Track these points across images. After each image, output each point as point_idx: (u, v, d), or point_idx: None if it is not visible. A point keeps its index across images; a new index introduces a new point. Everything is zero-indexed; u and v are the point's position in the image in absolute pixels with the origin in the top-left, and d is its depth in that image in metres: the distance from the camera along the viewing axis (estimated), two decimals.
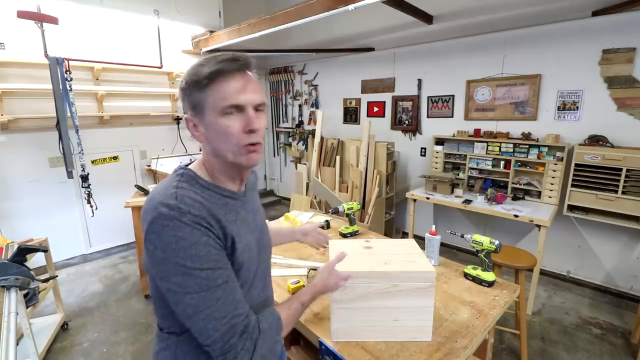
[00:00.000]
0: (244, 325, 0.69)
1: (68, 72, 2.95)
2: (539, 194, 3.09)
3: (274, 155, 6.13)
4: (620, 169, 2.55)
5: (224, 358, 0.68)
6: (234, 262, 0.73)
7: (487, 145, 3.31)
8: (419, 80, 3.89)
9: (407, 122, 4.09)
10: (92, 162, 3.66)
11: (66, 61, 2.96)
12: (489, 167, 3.34)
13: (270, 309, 0.81)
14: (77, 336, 2.47)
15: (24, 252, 2.06)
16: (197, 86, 0.70)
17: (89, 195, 3.21)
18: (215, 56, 0.71)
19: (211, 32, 4.18)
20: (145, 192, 3.02)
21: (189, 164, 0.80)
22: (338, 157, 3.95)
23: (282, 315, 0.81)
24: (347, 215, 2.15)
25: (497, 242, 1.51)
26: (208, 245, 0.66)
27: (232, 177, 0.80)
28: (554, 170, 2.93)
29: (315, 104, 5.17)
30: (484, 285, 1.47)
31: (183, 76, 0.73)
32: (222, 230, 0.70)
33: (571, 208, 2.86)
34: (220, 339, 0.67)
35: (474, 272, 1.52)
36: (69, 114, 3.01)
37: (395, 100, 4.15)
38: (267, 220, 1.10)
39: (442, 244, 1.72)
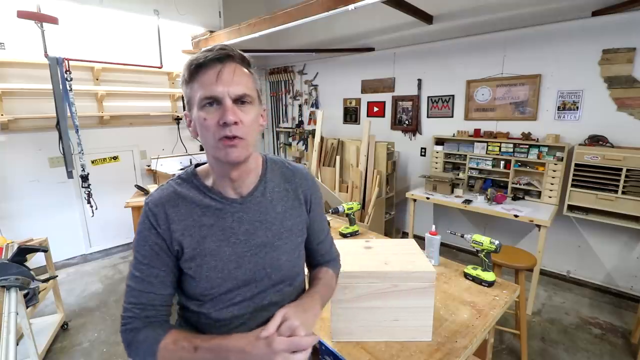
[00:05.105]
0: (124, 323, 0.73)
1: (68, 72, 2.95)
2: (539, 194, 3.09)
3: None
4: (620, 169, 2.54)
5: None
6: (182, 267, 0.74)
7: (487, 145, 3.31)
8: (419, 80, 3.89)
9: (407, 122, 4.09)
10: (92, 162, 3.66)
11: (66, 61, 2.95)
12: (489, 167, 3.34)
13: (162, 331, 0.70)
14: (77, 336, 2.47)
15: (24, 252, 2.06)
16: (185, 81, 0.71)
17: (89, 195, 3.21)
18: (203, 49, 0.71)
19: (211, 32, 4.18)
20: (145, 192, 3.02)
21: (205, 162, 0.82)
22: (338, 157, 3.95)
23: (162, 343, 0.68)
24: (347, 215, 2.15)
25: (497, 242, 1.51)
26: (146, 239, 0.73)
27: (222, 176, 0.75)
28: (554, 170, 2.93)
29: (315, 104, 5.16)
30: (484, 285, 1.47)
31: None
32: (169, 233, 0.73)
33: (571, 208, 2.86)
34: (122, 315, 0.74)
35: (474, 272, 1.52)
36: (69, 114, 3.00)
37: (395, 100, 4.15)
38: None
39: (442, 244, 1.72)
